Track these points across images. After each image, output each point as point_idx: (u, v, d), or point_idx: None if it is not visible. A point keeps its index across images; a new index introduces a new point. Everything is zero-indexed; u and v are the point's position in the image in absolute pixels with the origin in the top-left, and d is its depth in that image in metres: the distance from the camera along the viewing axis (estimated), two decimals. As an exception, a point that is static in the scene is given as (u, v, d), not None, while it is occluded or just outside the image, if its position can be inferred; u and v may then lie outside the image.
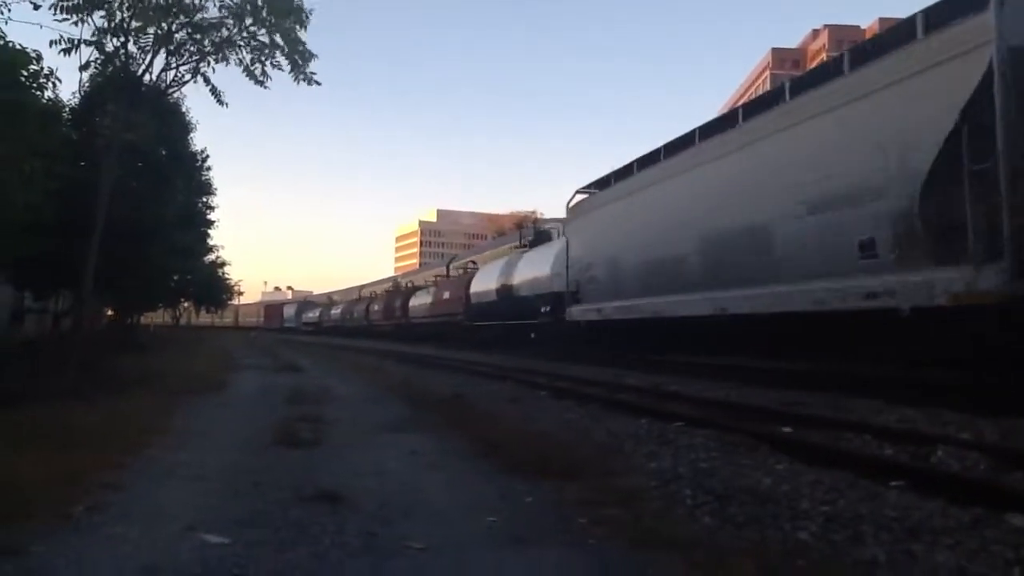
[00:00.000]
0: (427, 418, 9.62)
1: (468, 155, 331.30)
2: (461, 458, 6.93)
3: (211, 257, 42.75)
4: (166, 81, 15.07)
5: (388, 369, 20.73)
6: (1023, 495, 4.93)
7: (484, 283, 36.47)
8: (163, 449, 7.30)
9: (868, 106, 11.98)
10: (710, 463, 6.37)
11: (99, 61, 14.37)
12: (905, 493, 5.22)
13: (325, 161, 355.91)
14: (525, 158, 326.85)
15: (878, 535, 4.28)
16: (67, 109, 18.72)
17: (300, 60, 13.89)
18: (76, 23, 13.20)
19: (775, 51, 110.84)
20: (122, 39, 13.95)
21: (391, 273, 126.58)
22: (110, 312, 32.73)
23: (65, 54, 13.28)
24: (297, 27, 13.79)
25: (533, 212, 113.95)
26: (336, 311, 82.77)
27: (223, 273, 49.47)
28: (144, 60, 14.46)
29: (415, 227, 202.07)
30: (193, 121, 25.20)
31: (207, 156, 28.85)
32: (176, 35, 14.18)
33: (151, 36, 14.12)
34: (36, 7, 12.61)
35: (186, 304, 54.27)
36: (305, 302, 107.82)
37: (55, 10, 12.82)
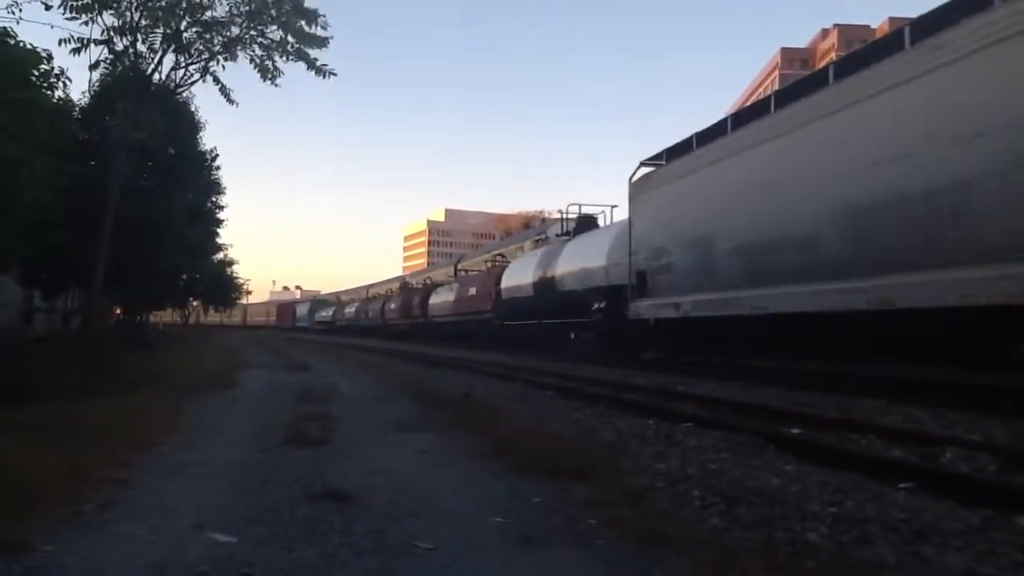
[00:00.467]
0: (436, 417, 9.63)
1: (476, 155, 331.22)
2: (470, 457, 6.93)
3: (219, 256, 42.96)
4: (175, 80, 15.16)
5: (398, 368, 20.73)
6: (1033, 497, 4.87)
7: (517, 277, 32.55)
8: (172, 447, 7.32)
9: None
10: (718, 464, 6.35)
11: (108, 60, 14.47)
12: (914, 494, 5.21)
13: (334, 161, 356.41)
14: (533, 158, 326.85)
15: (887, 536, 4.27)
16: (77, 108, 18.83)
17: (312, 47, 13.93)
18: (86, 23, 13.27)
19: (784, 51, 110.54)
20: (131, 38, 14.02)
21: (399, 273, 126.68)
22: (118, 310, 32.88)
23: (75, 53, 13.36)
24: (307, 24, 13.85)
25: (541, 212, 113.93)
26: (350, 310, 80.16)
27: (231, 272, 49.68)
28: (153, 59, 14.57)
29: (423, 226, 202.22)
30: (202, 120, 25.31)
31: (216, 155, 29.00)
32: (185, 34, 14.24)
33: (160, 35, 14.19)
34: (47, 7, 12.69)
35: (195, 303, 54.43)
36: (318, 300, 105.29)
37: (65, 10, 12.89)
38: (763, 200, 14.78)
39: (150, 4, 13.57)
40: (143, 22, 13.76)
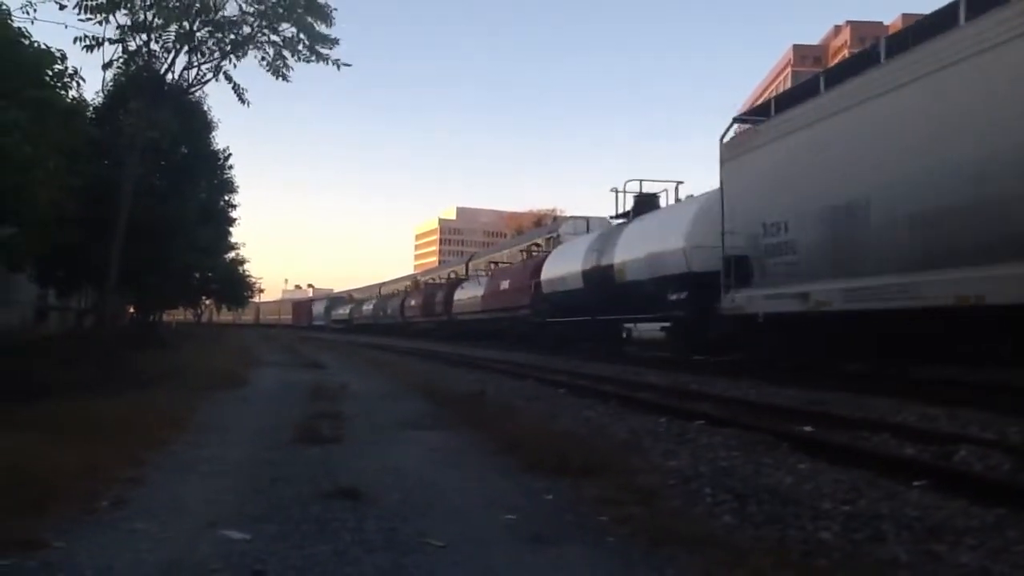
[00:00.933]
0: (447, 415, 9.64)
1: (488, 153, 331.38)
2: (481, 455, 6.93)
3: (232, 254, 43.08)
4: (188, 80, 15.22)
5: (410, 367, 20.74)
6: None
7: (563, 266, 28.18)
8: (184, 444, 7.35)
9: None
10: (730, 462, 6.34)
11: (122, 60, 14.55)
12: (927, 492, 5.18)
13: (346, 160, 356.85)
14: (544, 156, 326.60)
15: (900, 535, 4.25)
16: (90, 108, 18.92)
17: (324, 48, 13.99)
18: (100, 22, 13.34)
19: (796, 48, 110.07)
20: (144, 37, 14.09)
21: (411, 271, 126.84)
22: (131, 309, 33.03)
23: (88, 51, 13.46)
24: (319, 23, 13.91)
25: (553, 210, 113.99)
26: (368, 307, 76.71)
27: (243, 270, 49.79)
28: (167, 59, 14.64)
29: (435, 225, 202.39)
30: (214, 120, 25.34)
31: (229, 154, 29.02)
32: (198, 33, 14.31)
33: (173, 34, 14.26)
34: (61, 7, 12.77)
35: (207, 301, 54.62)
36: (335, 298, 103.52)
37: (79, 10, 12.96)
38: (976, 143, 10.34)
39: (163, 3, 13.63)
40: (156, 21, 13.83)
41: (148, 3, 13.62)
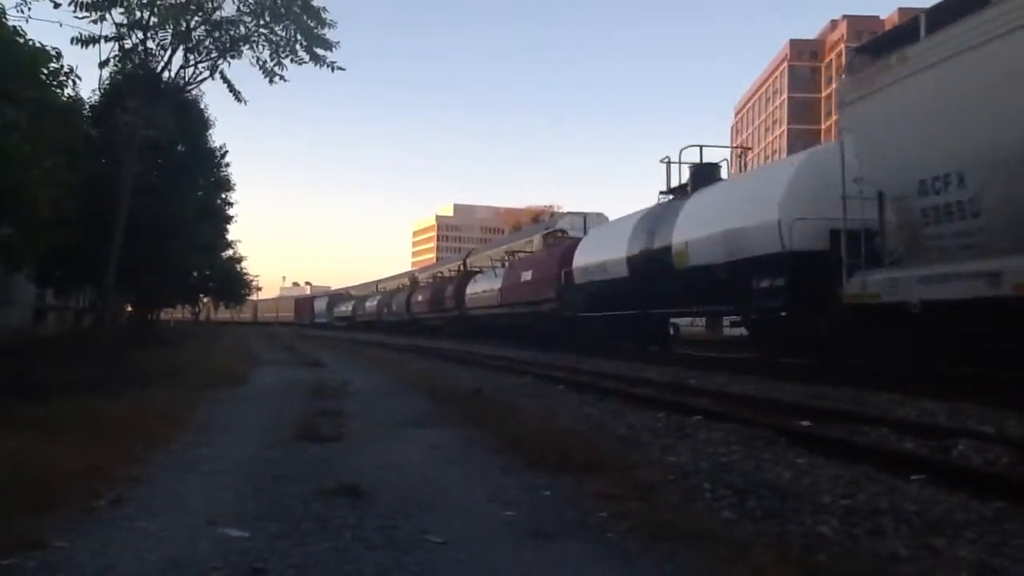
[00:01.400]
0: (448, 412, 9.65)
1: (485, 150, 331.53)
2: (482, 452, 6.94)
3: (229, 252, 43.09)
4: (185, 78, 15.19)
5: (411, 365, 20.74)
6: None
7: (602, 251, 24.31)
8: (184, 443, 7.36)
9: None
10: (729, 457, 6.36)
11: (118, 58, 14.51)
12: (926, 487, 5.20)
13: (342, 157, 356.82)
14: (541, 153, 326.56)
15: (899, 529, 4.26)
16: (87, 106, 18.88)
17: (321, 50, 13.98)
18: (95, 21, 13.32)
19: (793, 42, 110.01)
20: (141, 36, 14.07)
21: (409, 268, 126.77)
22: (130, 308, 33.01)
23: (84, 46, 13.41)
24: (317, 26, 13.89)
25: (550, 206, 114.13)
26: (371, 304, 73.50)
27: (241, 268, 49.80)
28: (163, 57, 14.61)
29: (432, 222, 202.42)
30: (211, 117, 25.32)
31: (226, 152, 28.98)
32: (194, 32, 14.28)
33: (170, 33, 14.24)
34: (56, 5, 12.72)
35: (205, 299, 54.62)
36: (337, 295, 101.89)
37: (75, 7, 12.94)
38: None
39: (159, 2, 13.62)
40: (152, 20, 13.81)
41: (144, 1, 13.60)
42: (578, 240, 28.46)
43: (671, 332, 22.10)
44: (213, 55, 14.64)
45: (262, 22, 14.01)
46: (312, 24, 13.76)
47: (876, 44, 13.35)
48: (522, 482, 5.62)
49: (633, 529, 4.31)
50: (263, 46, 14.23)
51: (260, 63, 14.30)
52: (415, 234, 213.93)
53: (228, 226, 36.23)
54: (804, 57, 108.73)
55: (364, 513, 4.75)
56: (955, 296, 10.24)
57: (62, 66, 13.66)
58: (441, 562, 3.90)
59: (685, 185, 21.34)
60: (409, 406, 10.56)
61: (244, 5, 13.99)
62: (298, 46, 14.05)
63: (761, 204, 15.69)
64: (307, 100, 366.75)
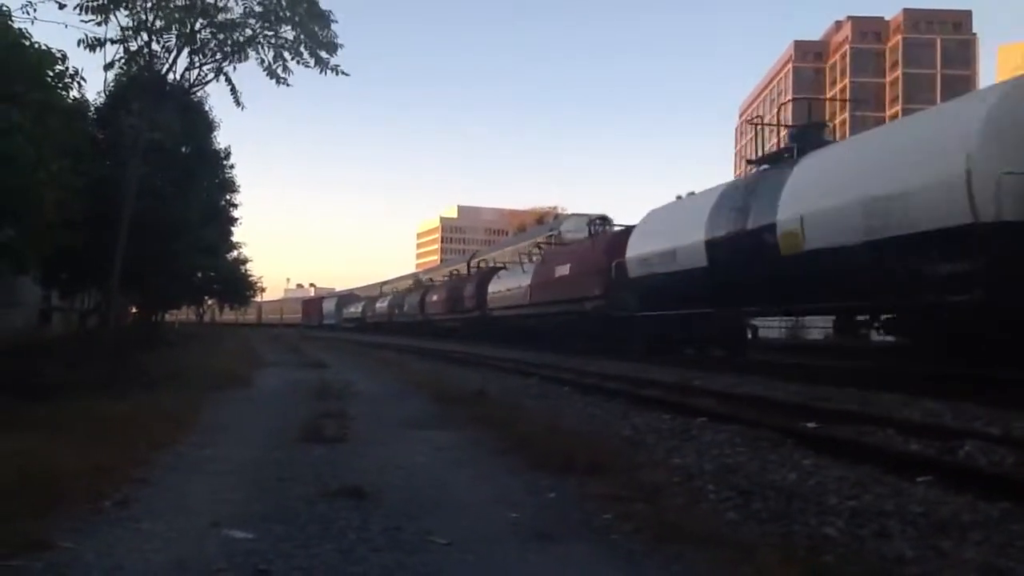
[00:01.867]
0: (453, 414, 9.65)
1: (489, 151, 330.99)
2: (487, 453, 6.94)
3: (234, 254, 43.16)
4: (190, 80, 15.22)
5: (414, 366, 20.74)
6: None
7: (665, 237, 19.88)
8: (189, 444, 7.36)
9: None
10: (735, 458, 6.35)
11: (123, 60, 14.56)
12: (932, 488, 5.18)
13: (347, 159, 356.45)
14: (546, 155, 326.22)
15: (905, 530, 4.25)
16: (92, 108, 18.93)
17: (325, 53, 14.01)
18: (100, 23, 13.35)
19: (798, 43, 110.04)
20: (146, 38, 14.10)
21: (413, 270, 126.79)
22: (134, 309, 33.08)
23: (90, 50, 13.45)
24: (320, 29, 13.92)
25: (554, 208, 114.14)
26: (382, 304, 70.48)
27: (245, 270, 49.86)
28: (168, 59, 14.63)
29: (436, 223, 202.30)
30: (216, 119, 25.38)
31: (230, 153, 29.06)
32: (199, 34, 14.32)
33: (174, 35, 14.27)
34: (61, 6, 12.76)
35: (210, 301, 54.71)
36: (346, 296, 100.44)
37: (80, 10, 12.97)
38: None
39: (164, 5, 13.65)
40: (157, 23, 13.84)
41: (149, 4, 13.64)
42: (627, 228, 24.44)
43: (749, 335, 18.50)
44: (218, 57, 14.68)
45: (267, 24, 14.04)
46: (316, 29, 13.79)
47: None
48: (527, 483, 5.62)
49: (638, 531, 4.30)
50: (268, 48, 14.26)
51: (265, 65, 14.33)
52: (419, 236, 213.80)
53: (232, 228, 36.34)
54: (809, 58, 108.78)
55: (368, 515, 4.75)
56: None
57: (67, 68, 13.70)
58: (446, 563, 3.90)
59: (784, 151, 17.58)
60: (413, 407, 10.55)
61: (249, 7, 14.02)
62: (302, 47, 14.07)
63: (929, 158, 11.64)
64: (311, 102, 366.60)
